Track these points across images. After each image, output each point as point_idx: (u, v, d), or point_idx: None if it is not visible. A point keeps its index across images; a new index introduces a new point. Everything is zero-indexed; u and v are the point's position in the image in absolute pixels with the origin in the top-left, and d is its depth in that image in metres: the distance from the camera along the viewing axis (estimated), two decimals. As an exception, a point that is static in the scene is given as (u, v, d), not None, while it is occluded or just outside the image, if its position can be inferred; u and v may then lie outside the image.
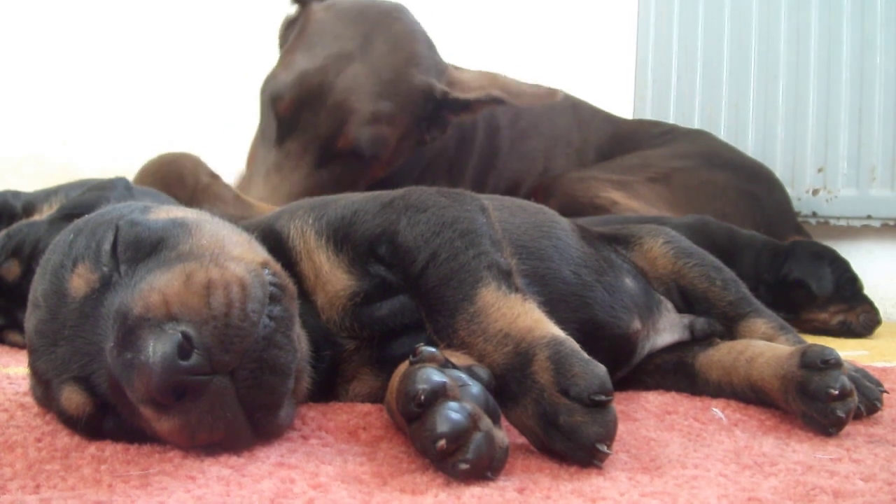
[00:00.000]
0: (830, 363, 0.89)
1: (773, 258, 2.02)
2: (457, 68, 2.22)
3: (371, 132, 1.98)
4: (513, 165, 2.46)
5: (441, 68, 2.14)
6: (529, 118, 2.55)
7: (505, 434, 0.70)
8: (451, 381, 0.69)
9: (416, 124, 2.09)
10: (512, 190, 2.38)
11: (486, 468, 0.67)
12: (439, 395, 0.67)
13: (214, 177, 1.92)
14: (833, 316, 2.09)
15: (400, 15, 2.12)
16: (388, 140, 2.02)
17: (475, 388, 0.71)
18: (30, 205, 1.65)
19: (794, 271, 2.00)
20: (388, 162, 2.11)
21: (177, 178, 1.87)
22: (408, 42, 2.07)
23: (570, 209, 1.98)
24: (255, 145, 2.14)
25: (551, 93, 2.15)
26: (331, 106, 1.96)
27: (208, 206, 1.42)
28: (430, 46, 2.16)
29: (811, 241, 2.21)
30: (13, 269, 1.40)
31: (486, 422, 0.68)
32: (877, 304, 2.62)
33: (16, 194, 1.74)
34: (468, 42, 3.09)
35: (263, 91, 2.07)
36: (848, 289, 2.08)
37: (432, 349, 0.73)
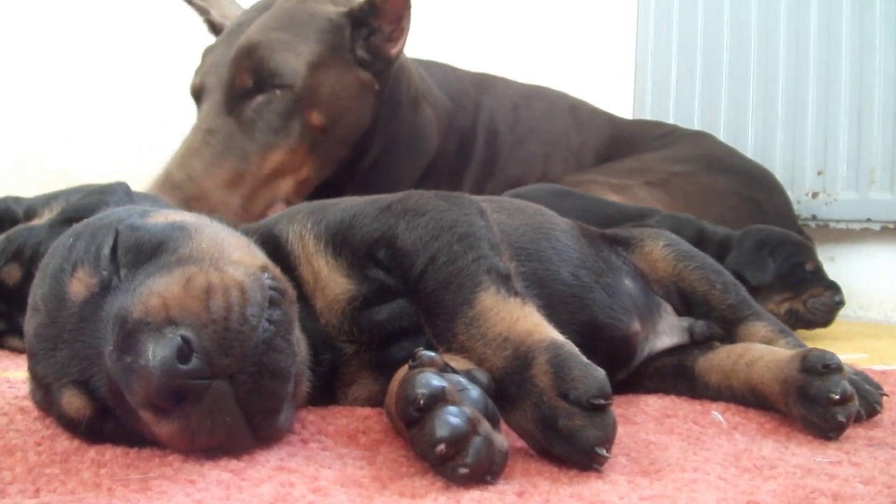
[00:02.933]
0: (831, 367, 0.89)
1: (725, 251, 1.94)
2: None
3: (268, 59, 1.93)
4: (512, 171, 2.45)
5: (350, 2, 2.09)
6: (528, 122, 2.54)
7: (504, 438, 0.70)
8: (450, 385, 0.69)
9: (334, 55, 2.00)
10: None
11: (486, 472, 0.67)
12: (438, 399, 0.67)
13: None
14: (779, 305, 1.97)
15: None
16: (290, 64, 1.94)
17: (474, 392, 0.71)
18: (31, 210, 1.66)
19: (731, 262, 1.87)
20: (319, 102, 1.99)
21: None
22: None
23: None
24: None
25: None
26: (228, 61, 1.97)
27: None
28: None
29: (761, 228, 2.07)
30: (14, 273, 1.40)
31: (485, 426, 0.68)
32: (877, 307, 2.60)
33: (17, 200, 1.74)
34: (467, 42, 3.10)
35: None
36: (794, 275, 1.97)
37: (431, 353, 0.73)
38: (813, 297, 2.00)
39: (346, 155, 2.12)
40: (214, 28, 2.27)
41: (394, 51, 2.08)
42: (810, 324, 1.99)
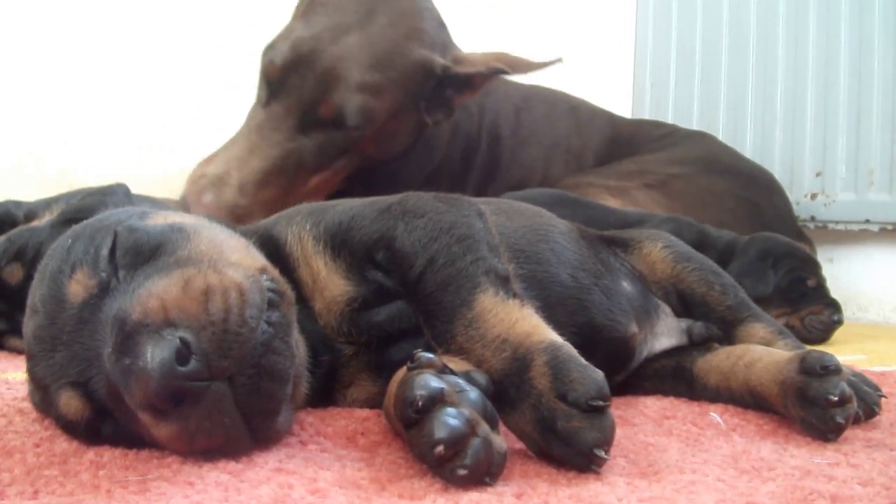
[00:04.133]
0: (830, 369, 0.89)
1: (729, 257, 1.94)
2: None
3: (355, 102, 1.94)
4: (513, 175, 2.46)
5: (446, 46, 2.09)
6: (529, 126, 2.54)
7: (503, 439, 0.70)
8: (448, 386, 0.69)
9: (412, 101, 2.04)
10: None
11: (485, 474, 0.67)
12: (437, 400, 0.67)
13: None
14: (776, 320, 1.96)
15: None
16: (374, 112, 1.97)
17: (473, 393, 0.71)
18: (31, 213, 1.66)
19: (734, 270, 1.86)
20: (379, 139, 2.05)
21: None
22: (412, 18, 2.03)
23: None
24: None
25: (550, 62, 2.08)
26: (319, 72, 1.95)
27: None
28: (439, 25, 2.11)
29: (767, 237, 2.06)
30: (16, 273, 1.40)
31: (483, 427, 0.68)
32: (875, 309, 2.60)
33: (17, 204, 1.74)
34: (467, 42, 3.10)
35: (262, 56, 2.06)
36: (794, 290, 1.97)
37: (430, 355, 0.73)
38: (812, 315, 1.98)
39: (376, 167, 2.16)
40: None
41: (460, 101, 2.13)
42: (806, 341, 1.94)
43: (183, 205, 1.92)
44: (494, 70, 2.05)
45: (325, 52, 1.95)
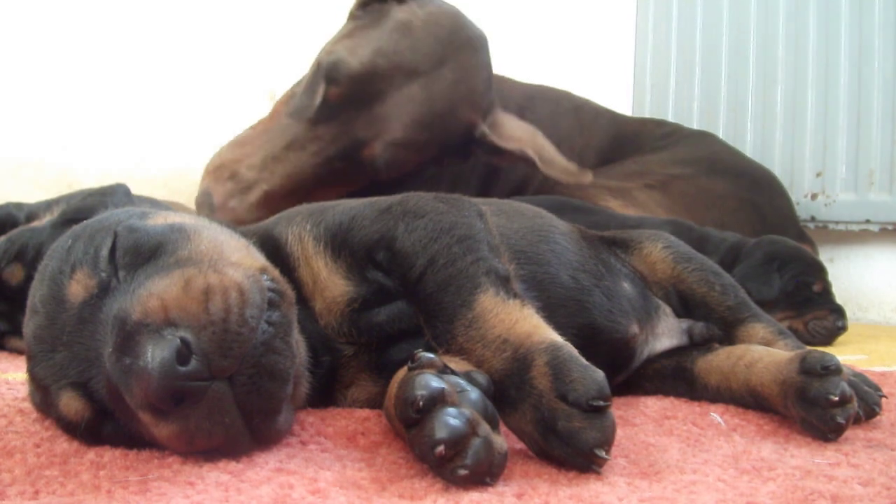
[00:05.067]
0: (830, 369, 0.89)
1: (734, 260, 1.95)
2: (504, 111, 2.21)
3: (394, 155, 1.98)
4: (515, 174, 2.46)
5: (489, 107, 2.13)
6: (533, 125, 2.54)
7: (503, 440, 0.70)
8: (449, 386, 0.69)
9: (443, 151, 2.09)
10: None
11: (485, 474, 0.67)
12: (438, 401, 0.67)
13: None
14: (780, 323, 1.97)
15: (479, 46, 2.09)
16: (407, 164, 2.03)
17: (474, 393, 0.71)
18: (33, 215, 1.66)
19: (738, 273, 1.88)
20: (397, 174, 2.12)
21: None
22: (472, 77, 2.05)
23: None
24: (285, 101, 2.11)
25: (582, 174, 2.11)
26: (375, 113, 1.96)
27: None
28: (489, 83, 2.13)
29: (774, 240, 2.07)
30: (16, 274, 1.40)
31: (484, 427, 0.68)
32: (876, 309, 2.60)
33: (18, 206, 1.75)
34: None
35: (321, 59, 2.02)
36: (799, 294, 1.98)
37: (431, 355, 0.73)
38: (815, 320, 1.98)
39: None
40: None
41: (483, 157, 2.17)
42: (808, 345, 1.98)
43: (206, 195, 1.92)
44: (524, 158, 2.10)
45: (388, 95, 1.96)
